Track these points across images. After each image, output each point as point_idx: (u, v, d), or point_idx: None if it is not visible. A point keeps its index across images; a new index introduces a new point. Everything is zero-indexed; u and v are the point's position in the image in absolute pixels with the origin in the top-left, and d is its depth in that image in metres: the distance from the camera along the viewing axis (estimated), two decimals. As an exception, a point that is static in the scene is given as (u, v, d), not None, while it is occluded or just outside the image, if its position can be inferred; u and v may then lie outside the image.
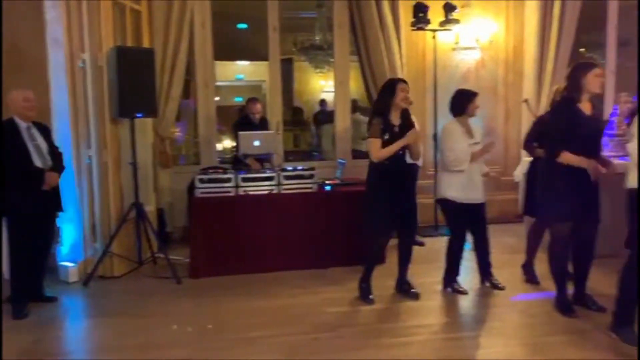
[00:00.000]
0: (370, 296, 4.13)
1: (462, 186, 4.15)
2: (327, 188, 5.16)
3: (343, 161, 5.67)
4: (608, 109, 6.14)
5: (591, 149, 3.63)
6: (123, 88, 4.77)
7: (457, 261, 4.36)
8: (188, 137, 8.15)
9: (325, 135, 9.41)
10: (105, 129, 4.87)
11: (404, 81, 4.11)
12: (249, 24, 9.19)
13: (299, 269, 4.87)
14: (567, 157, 3.56)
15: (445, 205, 4.27)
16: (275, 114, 6.57)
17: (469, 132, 4.22)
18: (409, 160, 4.21)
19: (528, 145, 4.45)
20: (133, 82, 4.84)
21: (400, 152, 4.03)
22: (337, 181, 5.27)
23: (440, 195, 4.28)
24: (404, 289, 4.26)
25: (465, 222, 4.26)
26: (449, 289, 4.34)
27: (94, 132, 4.83)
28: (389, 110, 4.00)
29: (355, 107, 7.72)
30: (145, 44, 5.61)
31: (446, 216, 4.35)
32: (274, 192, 4.98)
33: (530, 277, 4.52)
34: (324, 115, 9.82)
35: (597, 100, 3.94)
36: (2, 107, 4.23)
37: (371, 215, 4.07)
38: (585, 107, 3.64)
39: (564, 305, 3.82)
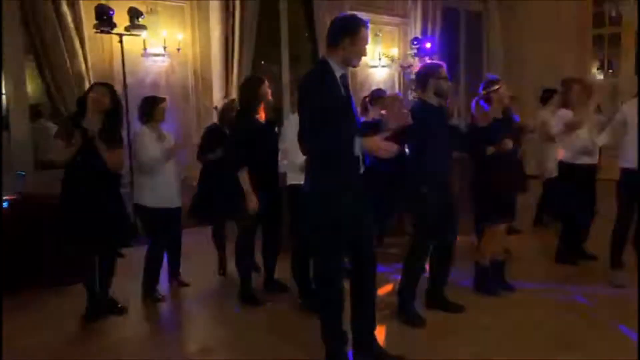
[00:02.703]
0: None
1: (157, 191, 4.15)
2: (4, 204, 4.51)
3: (22, 173, 5.04)
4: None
5: (270, 154, 4.10)
6: None
7: (158, 268, 4.33)
8: None
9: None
10: None
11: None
12: None
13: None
14: (244, 179, 3.91)
15: (143, 211, 4.21)
16: None
17: (161, 137, 4.24)
18: None
19: (202, 152, 4.72)
20: None
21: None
22: (15, 196, 4.65)
23: (137, 201, 4.21)
24: (109, 306, 4.00)
25: (163, 226, 4.26)
26: (149, 298, 4.26)
27: None
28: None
29: (38, 112, 6.90)
30: None
31: (144, 223, 4.28)
32: None
33: (224, 272, 4.83)
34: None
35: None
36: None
37: (68, 233, 3.67)
38: (262, 116, 4.09)
39: (249, 296, 4.14)
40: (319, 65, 2.89)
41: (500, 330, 3.51)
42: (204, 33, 7.03)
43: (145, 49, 6.52)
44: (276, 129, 4.34)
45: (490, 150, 3.92)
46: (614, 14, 6.67)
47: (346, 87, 2.87)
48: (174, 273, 4.59)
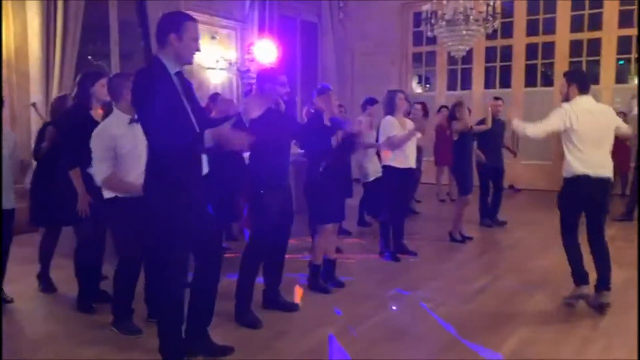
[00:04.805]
0: None
1: None
2: None
3: None
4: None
5: None
6: None
7: None
8: None
9: None
10: None
11: None
12: None
13: None
14: (77, 179, 3.73)
15: None
16: None
17: None
18: None
19: (37, 151, 4.31)
20: None
21: None
22: None
23: None
24: None
25: None
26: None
27: None
28: None
29: None
30: None
31: None
32: None
33: (46, 285, 4.39)
34: None
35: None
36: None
37: None
38: (97, 114, 3.82)
39: (86, 305, 3.92)
40: (151, 64, 2.79)
41: (333, 325, 3.69)
42: (20, 23, 6.36)
43: (-56, 34, 5.71)
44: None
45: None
46: (429, 34, 7.41)
47: (185, 85, 2.80)
48: None
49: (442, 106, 8.73)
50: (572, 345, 3.37)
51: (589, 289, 3.98)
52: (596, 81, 9.34)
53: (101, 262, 4.10)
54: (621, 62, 9.55)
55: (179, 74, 2.78)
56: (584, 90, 3.96)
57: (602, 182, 3.89)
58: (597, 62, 9.49)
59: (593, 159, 3.86)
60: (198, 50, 2.79)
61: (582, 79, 4.02)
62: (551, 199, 4.43)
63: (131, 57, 8.96)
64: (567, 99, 3.98)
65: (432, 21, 6.99)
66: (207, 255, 2.99)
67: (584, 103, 3.91)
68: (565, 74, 4.14)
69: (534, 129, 4.01)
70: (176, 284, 2.83)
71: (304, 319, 3.79)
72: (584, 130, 3.85)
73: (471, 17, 6.72)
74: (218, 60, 8.78)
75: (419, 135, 5.25)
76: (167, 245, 2.77)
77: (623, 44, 9.29)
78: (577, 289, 4.03)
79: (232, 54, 9.06)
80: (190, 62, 2.84)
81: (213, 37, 8.63)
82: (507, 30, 10.10)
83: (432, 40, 8.90)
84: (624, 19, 9.21)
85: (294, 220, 3.95)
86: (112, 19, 7.46)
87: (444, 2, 6.81)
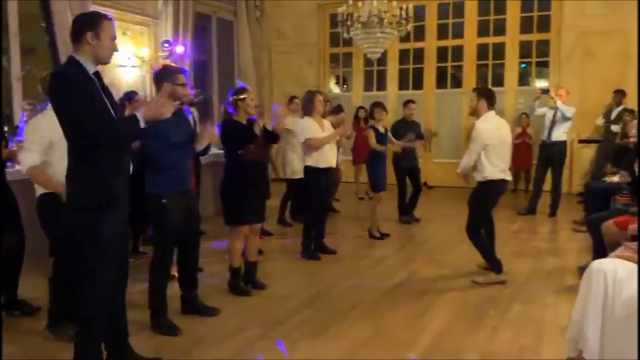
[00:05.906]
0: None
1: None
2: None
3: None
4: (17, 115, 6.14)
5: None
6: None
7: None
8: None
9: None
10: None
11: None
12: None
13: None
14: None
15: None
16: None
17: None
18: None
19: None
20: None
21: None
22: None
23: None
24: None
25: None
26: None
27: None
28: None
29: None
30: None
31: None
32: None
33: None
34: None
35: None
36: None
37: None
38: None
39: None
40: (68, 64, 2.70)
41: (255, 328, 3.65)
42: None
43: None
44: (5, 129, 3.82)
45: (242, 154, 4.07)
46: (346, 35, 7.51)
47: (102, 84, 2.74)
48: None
49: (360, 107, 8.90)
50: (484, 334, 3.54)
51: (505, 275, 4.55)
52: (501, 83, 9.90)
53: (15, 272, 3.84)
54: (523, 65, 10.17)
55: (97, 74, 2.71)
56: (492, 105, 4.52)
57: (508, 183, 4.67)
58: (502, 65, 10.03)
59: (503, 166, 4.53)
60: (116, 50, 2.77)
61: (491, 95, 4.58)
62: (461, 195, 4.66)
63: (34, 52, 8.39)
64: (475, 112, 4.54)
65: (348, 23, 7.08)
66: (122, 265, 2.86)
67: (493, 121, 4.51)
68: (475, 90, 4.67)
69: (466, 162, 4.58)
70: (102, 296, 2.72)
71: (225, 323, 3.72)
72: (498, 144, 4.47)
73: (385, 20, 6.88)
74: (130, 57, 8.44)
75: (337, 137, 5.36)
76: (91, 257, 2.67)
77: (524, 48, 9.89)
78: (497, 276, 4.52)
79: (144, 51, 8.73)
80: (107, 62, 2.78)
81: (125, 34, 8.27)
82: (419, 33, 10.45)
83: (349, 42, 9.03)
84: (525, 25, 9.81)
85: (200, 224, 3.89)
86: (10, 11, 6.94)
87: (360, 4, 6.93)
